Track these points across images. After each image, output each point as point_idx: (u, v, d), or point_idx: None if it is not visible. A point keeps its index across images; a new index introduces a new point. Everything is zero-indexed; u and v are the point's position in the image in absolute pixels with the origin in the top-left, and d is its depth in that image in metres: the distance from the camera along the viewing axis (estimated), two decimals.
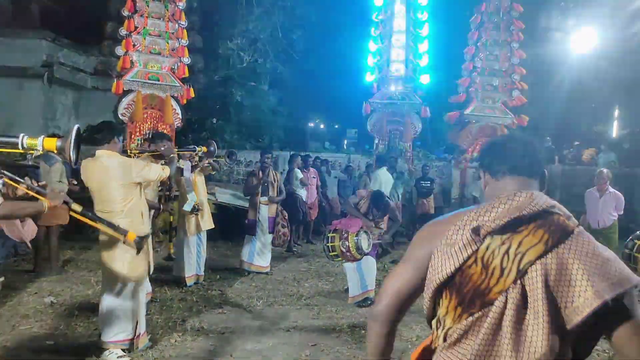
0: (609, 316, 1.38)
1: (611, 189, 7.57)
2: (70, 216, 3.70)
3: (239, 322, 5.47)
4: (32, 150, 2.56)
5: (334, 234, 6.10)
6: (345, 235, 5.97)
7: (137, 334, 4.41)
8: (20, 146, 2.53)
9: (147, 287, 5.57)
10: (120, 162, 4.23)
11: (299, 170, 9.84)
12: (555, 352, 1.38)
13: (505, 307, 1.44)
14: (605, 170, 7.85)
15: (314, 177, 10.46)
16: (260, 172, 7.68)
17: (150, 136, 6.37)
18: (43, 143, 2.56)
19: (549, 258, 1.43)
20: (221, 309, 5.88)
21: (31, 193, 3.00)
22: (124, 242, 4.04)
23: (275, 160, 12.42)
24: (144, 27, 10.25)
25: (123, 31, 10.08)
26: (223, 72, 15.78)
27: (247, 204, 8.04)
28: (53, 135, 2.83)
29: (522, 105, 13.01)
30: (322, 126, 26.86)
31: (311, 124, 24.75)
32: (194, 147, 6.43)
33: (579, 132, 18.38)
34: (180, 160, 6.45)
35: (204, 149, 6.37)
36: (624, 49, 14.96)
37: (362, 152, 17.15)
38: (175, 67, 10.64)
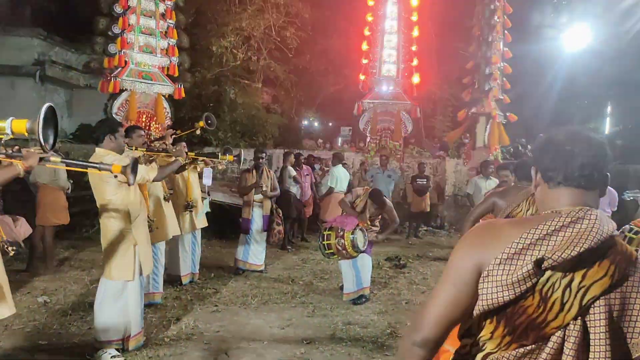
0: None
1: None
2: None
3: (234, 320, 5.46)
4: (1, 134, 2.39)
5: (329, 232, 6.11)
6: (341, 233, 5.97)
7: (130, 333, 4.38)
8: None
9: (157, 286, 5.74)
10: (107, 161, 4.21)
11: (291, 168, 9.84)
12: None
13: (562, 343, 1.34)
14: None
15: (307, 175, 10.45)
16: (254, 171, 7.66)
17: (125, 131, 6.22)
18: (11, 126, 2.39)
19: (614, 293, 1.32)
20: (216, 307, 5.87)
21: (7, 160, 2.79)
22: (115, 177, 3.95)
23: (269, 158, 12.41)
24: (137, 25, 10.19)
25: (117, 29, 9.99)
26: (216, 70, 15.72)
27: (240, 202, 8.02)
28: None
29: (509, 104, 13.14)
30: (316, 124, 26.83)
31: (305, 122, 24.70)
32: (217, 154, 6.40)
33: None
34: (201, 164, 6.50)
35: (230, 157, 6.28)
36: (617, 45, 15.04)
37: (356, 150, 17.16)
38: (166, 66, 10.63)
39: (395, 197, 11.80)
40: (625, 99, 17.38)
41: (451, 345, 1.56)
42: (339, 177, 10.14)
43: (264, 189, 7.59)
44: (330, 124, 27.58)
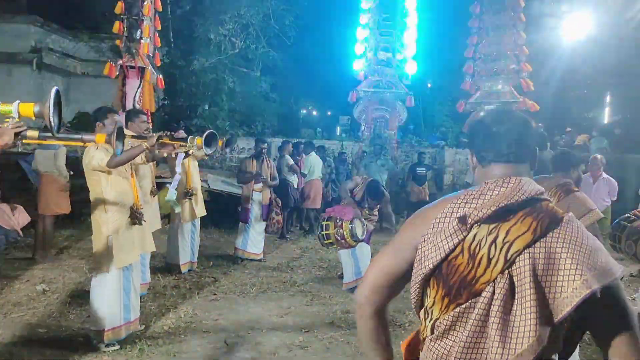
0: (593, 309, 1.36)
1: (605, 175, 7.60)
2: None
3: (233, 309, 5.47)
4: (7, 117, 2.32)
5: (328, 222, 6.10)
6: (340, 222, 5.96)
7: (126, 321, 4.36)
8: None
9: (144, 277, 5.56)
10: (86, 149, 4.19)
11: (289, 157, 9.84)
12: (543, 343, 1.33)
13: (492, 297, 1.40)
14: (599, 156, 7.87)
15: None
16: (254, 160, 7.64)
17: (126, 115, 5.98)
18: (19, 109, 2.32)
19: (537, 247, 1.39)
20: (214, 296, 5.88)
21: None
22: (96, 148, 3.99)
23: (268, 147, 12.38)
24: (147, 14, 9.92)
25: (142, 15, 9.67)
26: (215, 58, 15.64)
27: (239, 191, 8.01)
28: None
29: (526, 91, 13.01)
30: (314, 113, 26.77)
31: (304, 111, 24.63)
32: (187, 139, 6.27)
33: (571, 119, 18.39)
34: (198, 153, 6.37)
35: (198, 141, 6.00)
36: (616, 35, 14.96)
37: (354, 138, 17.16)
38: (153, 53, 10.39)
39: (393, 186, 11.81)
40: (625, 88, 17.32)
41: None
42: (312, 164, 10.22)
43: (263, 177, 7.58)
44: (329, 113, 27.52)
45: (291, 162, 9.75)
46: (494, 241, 1.42)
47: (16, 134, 2.54)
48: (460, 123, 15.04)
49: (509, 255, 1.40)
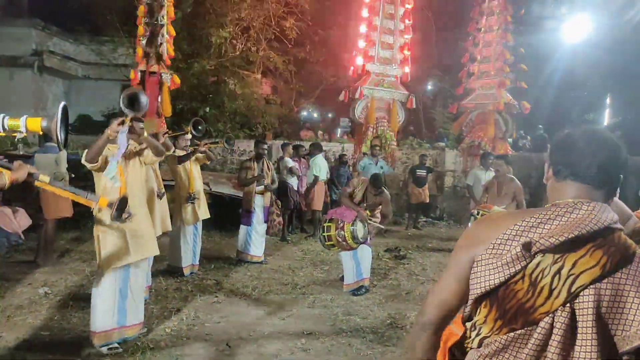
0: None
1: None
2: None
3: (235, 311, 5.48)
4: (15, 132, 2.31)
5: (329, 224, 6.12)
6: (341, 224, 5.99)
7: (120, 325, 4.35)
8: (0, 128, 2.28)
9: (147, 279, 5.55)
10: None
11: (289, 159, 9.84)
12: None
13: (551, 329, 1.36)
14: None
15: (305, 168, 10.44)
16: (255, 162, 7.66)
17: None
18: (26, 124, 2.30)
19: (604, 283, 1.33)
20: (216, 298, 5.89)
21: None
22: (98, 211, 4.01)
23: (269, 150, 12.38)
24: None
25: (161, 19, 9.76)
26: (215, 61, 15.66)
27: (241, 194, 8.03)
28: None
29: (519, 92, 13.10)
30: (315, 115, 26.75)
31: (304, 113, 24.61)
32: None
33: (571, 120, 18.41)
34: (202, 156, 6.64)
35: (188, 129, 6.12)
36: (616, 36, 14.97)
37: (354, 140, 17.15)
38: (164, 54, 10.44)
39: (394, 188, 11.81)
40: (625, 89, 17.34)
41: (459, 329, 1.63)
42: (320, 166, 10.20)
43: (266, 182, 7.59)
44: (330, 115, 27.50)
45: (291, 164, 9.75)
46: (559, 272, 1.36)
47: (30, 174, 2.71)
48: None
49: (572, 289, 1.35)
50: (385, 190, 6.50)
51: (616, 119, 18.77)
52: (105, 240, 4.21)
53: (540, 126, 16.78)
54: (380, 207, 6.53)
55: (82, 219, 8.75)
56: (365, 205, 6.35)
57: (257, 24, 16.51)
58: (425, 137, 18.80)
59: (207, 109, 14.89)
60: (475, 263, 1.46)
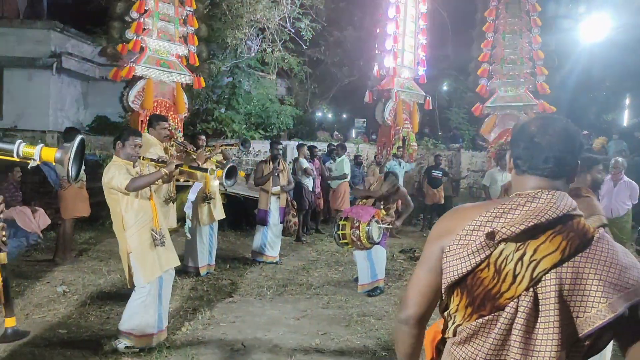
0: (622, 323, 1.36)
1: (626, 178, 7.53)
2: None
3: (249, 311, 5.50)
4: (28, 160, 2.25)
5: (345, 222, 6.11)
6: (357, 224, 5.98)
7: (159, 329, 4.40)
8: (15, 154, 2.21)
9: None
10: (107, 167, 4.29)
11: (304, 160, 9.86)
12: None
13: (516, 314, 1.41)
14: (620, 159, 7.80)
15: (318, 169, 10.46)
16: (271, 162, 7.69)
17: (148, 120, 6.15)
18: (41, 153, 2.24)
19: (564, 267, 1.38)
20: (231, 298, 5.92)
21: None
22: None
23: (284, 150, 12.43)
24: (155, 11, 9.79)
25: (134, 13, 9.64)
26: (231, 62, 15.73)
27: (256, 194, 8.06)
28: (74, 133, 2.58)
29: (542, 94, 12.93)
30: (330, 116, 26.75)
31: (319, 114, 24.62)
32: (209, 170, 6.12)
33: (589, 121, 18.20)
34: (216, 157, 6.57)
35: (219, 173, 5.42)
36: (635, 36, 14.76)
37: (370, 141, 17.13)
38: (184, 55, 10.40)
39: (409, 189, 11.76)
40: None
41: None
42: (346, 167, 10.68)
43: (281, 183, 7.62)
44: (345, 116, 27.49)
45: (305, 165, 9.76)
46: (521, 258, 1.42)
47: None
48: (477, 126, 14.96)
49: (534, 274, 1.39)
50: (401, 186, 6.50)
51: (635, 119, 18.51)
52: (139, 258, 4.23)
53: (517, 122, 16.57)
54: (394, 205, 6.53)
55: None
56: (381, 205, 6.35)
57: (272, 25, 16.55)
58: (440, 137, 18.72)
59: (223, 110, 14.96)
60: (445, 253, 1.52)
